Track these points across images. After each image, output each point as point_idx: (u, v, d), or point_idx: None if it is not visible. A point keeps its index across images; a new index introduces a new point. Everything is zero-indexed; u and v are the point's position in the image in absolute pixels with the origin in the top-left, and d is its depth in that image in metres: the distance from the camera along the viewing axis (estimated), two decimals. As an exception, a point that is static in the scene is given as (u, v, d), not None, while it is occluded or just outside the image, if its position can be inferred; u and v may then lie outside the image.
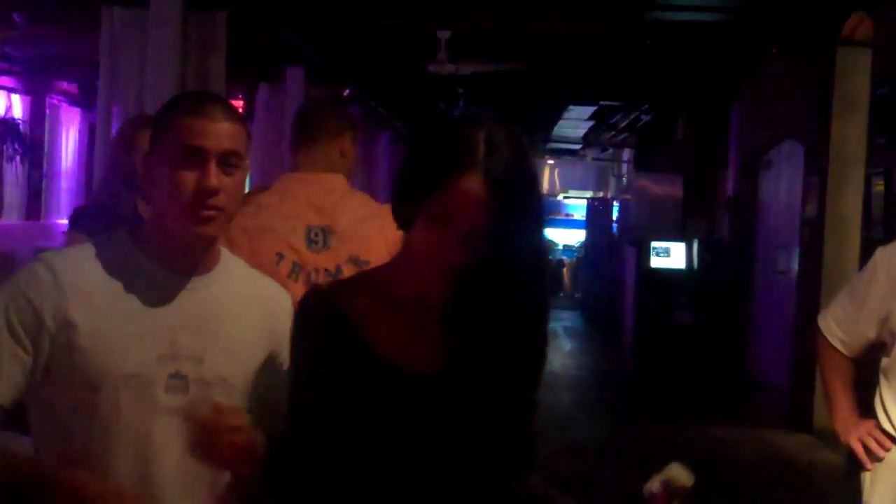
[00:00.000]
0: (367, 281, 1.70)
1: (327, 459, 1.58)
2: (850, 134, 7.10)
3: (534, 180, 1.59)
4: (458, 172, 1.50)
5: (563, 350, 12.06)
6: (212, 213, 1.69)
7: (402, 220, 1.60)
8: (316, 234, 2.74)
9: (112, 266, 1.73)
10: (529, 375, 1.67)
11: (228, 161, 1.71)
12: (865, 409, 2.86)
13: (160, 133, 1.74)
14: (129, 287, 1.72)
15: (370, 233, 2.71)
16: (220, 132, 1.70)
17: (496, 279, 1.57)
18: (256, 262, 2.62)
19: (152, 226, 1.78)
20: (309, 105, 3.32)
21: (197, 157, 1.68)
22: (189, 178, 1.68)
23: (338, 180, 2.86)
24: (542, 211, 1.62)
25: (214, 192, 1.68)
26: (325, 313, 1.61)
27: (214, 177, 1.68)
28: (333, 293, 1.65)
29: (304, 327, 1.64)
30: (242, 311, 1.81)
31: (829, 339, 2.89)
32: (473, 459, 1.61)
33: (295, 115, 3.05)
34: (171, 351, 1.71)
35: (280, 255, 2.70)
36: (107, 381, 1.67)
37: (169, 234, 1.74)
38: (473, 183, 1.50)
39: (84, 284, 1.70)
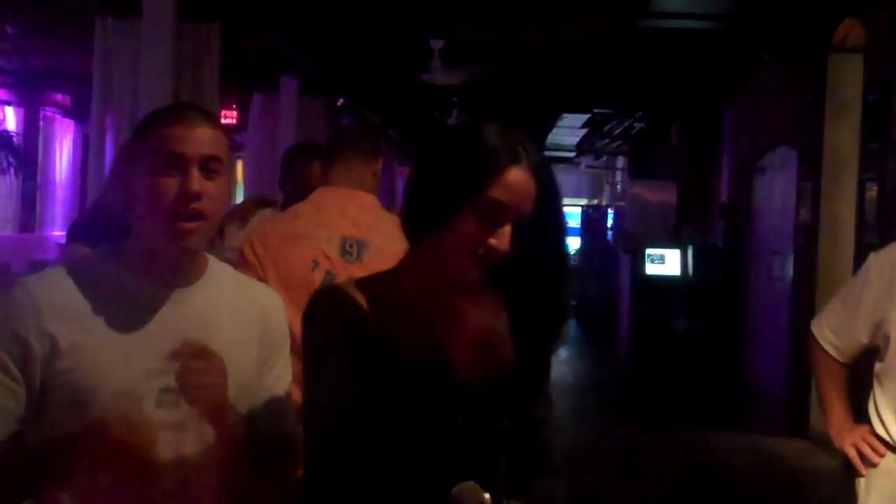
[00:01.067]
0: (373, 285, 1.69)
1: (355, 463, 1.59)
2: (843, 139, 7.12)
3: (557, 183, 1.68)
4: (507, 166, 1.58)
5: (558, 357, 12.02)
6: (193, 224, 1.68)
7: (426, 225, 1.60)
8: (351, 246, 2.79)
9: (94, 283, 1.72)
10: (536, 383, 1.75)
11: (209, 167, 1.70)
12: (860, 414, 2.86)
13: (141, 144, 1.73)
14: (114, 303, 1.71)
15: (401, 253, 2.74)
16: (200, 138, 1.70)
17: (530, 278, 1.62)
18: (292, 267, 2.67)
19: (136, 239, 1.76)
20: (349, 125, 3.41)
21: (177, 163, 1.68)
22: (170, 184, 1.67)
23: (371, 199, 2.93)
24: (565, 217, 1.72)
25: (197, 196, 1.67)
26: (343, 312, 1.62)
27: (196, 182, 1.68)
28: (350, 293, 1.66)
29: (320, 325, 1.63)
30: (232, 319, 1.80)
31: (823, 344, 2.89)
32: (490, 465, 1.64)
33: (333, 132, 3.12)
34: (159, 365, 1.69)
35: (315, 263, 2.74)
36: (96, 399, 1.66)
37: (153, 246, 1.72)
38: (522, 174, 1.58)
39: (65, 305, 1.68)
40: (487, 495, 1.53)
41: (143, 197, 1.70)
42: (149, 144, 1.71)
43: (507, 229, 1.57)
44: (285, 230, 2.79)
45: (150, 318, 1.72)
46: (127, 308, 1.71)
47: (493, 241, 1.56)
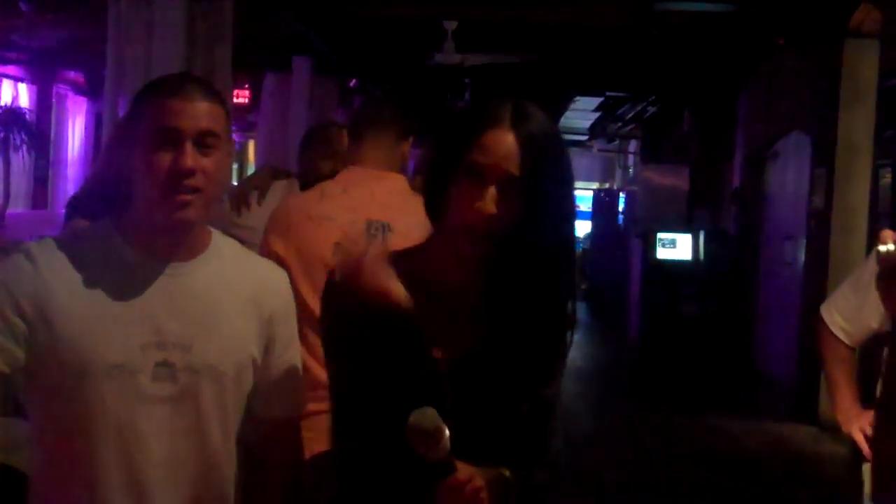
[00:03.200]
0: (397, 261, 1.70)
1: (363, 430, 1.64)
2: (858, 126, 7.08)
3: (564, 156, 1.66)
4: (487, 128, 1.60)
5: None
6: (188, 196, 1.66)
7: (437, 196, 1.65)
8: (376, 229, 2.73)
9: (95, 255, 1.71)
10: (550, 364, 1.72)
11: (205, 142, 1.68)
12: (868, 399, 2.85)
13: (136, 115, 1.71)
14: (113, 275, 1.70)
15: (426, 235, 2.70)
16: (196, 112, 1.67)
17: (527, 257, 1.62)
18: (312, 248, 2.63)
19: (133, 212, 1.74)
20: (377, 102, 3.30)
21: (172, 137, 1.66)
22: (164, 159, 1.65)
23: (401, 181, 2.86)
24: (572, 194, 1.69)
25: (190, 172, 1.65)
26: (358, 286, 1.65)
27: (190, 157, 1.65)
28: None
29: (338, 297, 1.66)
30: (232, 295, 1.78)
31: (832, 328, 2.89)
32: (490, 442, 1.64)
33: (360, 109, 3.05)
34: (156, 339, 1.69)
35: (338, 246, 2.67)
36: (90, 371, 1.65)
37: (150, 219, 1.71)
38: (502, 134, 1.60)
39: (65, 273, 1.68)
40: (446, 429, 1.51)
41: (139, 170, 1.69)
42: (144, 116, 1.69)
43: (491, 190, 1.58)
44: (310, 210, 2.74)
45: (150, 292, 1.71)
46: (125, 280, 1.70)
47: (477, 204, 1.58)
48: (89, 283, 1.68)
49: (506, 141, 1.59)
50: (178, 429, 1.70)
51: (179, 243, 1.74)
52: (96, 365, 1.65)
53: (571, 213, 1.69)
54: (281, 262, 2.42)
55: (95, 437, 1.67)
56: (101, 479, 1.67)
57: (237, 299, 1.78)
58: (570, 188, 1.69)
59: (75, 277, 1.68)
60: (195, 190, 1.67)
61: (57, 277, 1.67)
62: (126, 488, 1.68)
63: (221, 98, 1.74)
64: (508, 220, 1.59)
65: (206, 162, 1.68)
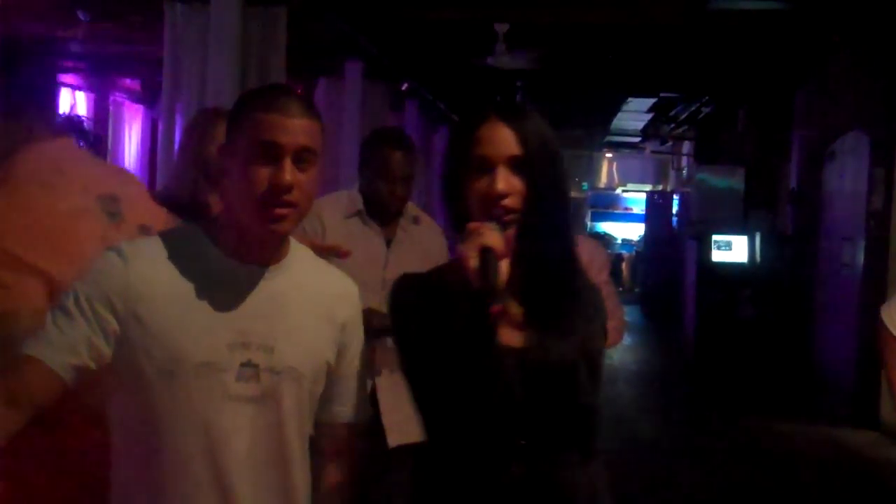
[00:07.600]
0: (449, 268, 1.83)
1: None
2: (918, 124, 6.97)
3: (555, 148, 1.80)
4: (479, 124, 1.77)
5: (622, 344, 11.97)
6: (285, 210, 1.71)
7: (456, 200, 1.80)
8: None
9: (184, 256, 1.75)
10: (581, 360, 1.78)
11: (303, 157, 1.72)
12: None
13: (236, 127, 1.75)
14: (202, 277, 1.74)
15: None
16: (296, 128, 1.71)
17: (534, 250, 1.76)
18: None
19: (225, 218, 1.79)
20: None
21: (272, 152, 1.69)
22: (263, 173, 1.69)
23: None
24: (566, 191, 1.83)
25: (288, 188, 1.69)
26: (417, 293, 1.81)
27: (289, 173, 1.69)
28: (425, 276, 1.88)
29: (399, 308, 1.82)
30: (311, 302, 1.83)
31: (893, 331, 2.84)
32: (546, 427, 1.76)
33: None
34: (242, 340, 1.73)
35: None
36: (179, 368, 1.69)
37: (241, 228, 1.75)
38: (494, 123, 1.77)
39: (156, 273, 1.72)
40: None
41: (235, 182, 1.73)
42: (244, 129, 1.72)
43: (501, 174, 1.74)
44: None
45: (237, 294, 1.75)
46: (213, 281, 1.74)
47: (491, 191, 1.74)
48: (179, 282, 1.73)
49: (499, 128, 1.75)
50: (258, 428, 1.74)
51: (266, 251, 1.79)
52: (185, 363, 1.69)
53: (568, 196, 1.84)
54: None
55: (181, 434, 1.70)
56: (185, 475, 1.71)
57: (315, 305, 1.83)
58: (566, 175, 1.83)
59: (165, 276, 1.73)
60: (291, 205, 1.71)
61: (147, 275, 1.71)
62: (210, 485, 1.72)
63: (318, 113, 1.78)
64: (519, 198, 1.73)
65: (303, 178, 1.72)
